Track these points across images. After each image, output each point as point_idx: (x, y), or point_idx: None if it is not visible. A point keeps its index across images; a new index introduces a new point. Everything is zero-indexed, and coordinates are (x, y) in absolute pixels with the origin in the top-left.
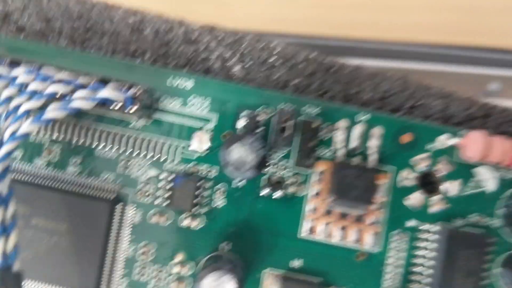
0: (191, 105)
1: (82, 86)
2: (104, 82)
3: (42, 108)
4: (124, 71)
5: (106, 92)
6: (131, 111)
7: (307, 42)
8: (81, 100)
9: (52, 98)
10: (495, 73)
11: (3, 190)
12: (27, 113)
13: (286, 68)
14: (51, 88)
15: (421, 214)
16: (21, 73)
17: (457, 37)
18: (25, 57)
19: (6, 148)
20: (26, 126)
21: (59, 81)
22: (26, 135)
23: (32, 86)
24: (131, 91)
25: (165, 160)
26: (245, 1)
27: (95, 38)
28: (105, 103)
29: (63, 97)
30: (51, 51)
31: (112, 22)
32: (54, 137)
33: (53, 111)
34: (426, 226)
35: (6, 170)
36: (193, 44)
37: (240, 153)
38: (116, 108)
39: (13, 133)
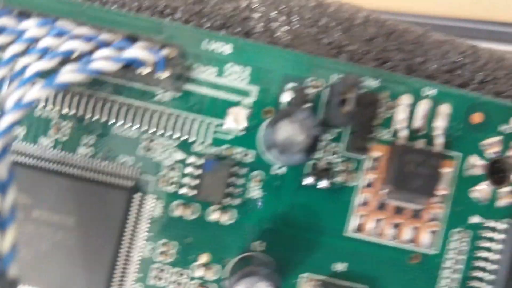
0: (228, 75)
1: (105, 44)
2: (131, 39)
3: (56, 70)
4: (150, 31)
5: (134, 52)
6: (161, 77)
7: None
8: (103, 60)
9: (69, 57)
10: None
11: (2, 173)
12: (37, 75)
13: (341, 31)
14: (68, 45)
15: (488, 208)
16: (31, 26)
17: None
18: (35, 11)
19: (8, 118)
20: (35, 91)
21: (77, 37)
22: (34, 103)
23: (44, 42)
24: (164, 52)
25: (194, 142)
26: None
27: None
28: (131, 65)
29: (81, 56)
30: (64, 6)
31: None
32: (64, 111)
33: (69, 73)
34: (492, 223)
35: (7, 148)
36: (232, 1)
37: (290, 132)
38: (144, 72)
39: (19, 100)
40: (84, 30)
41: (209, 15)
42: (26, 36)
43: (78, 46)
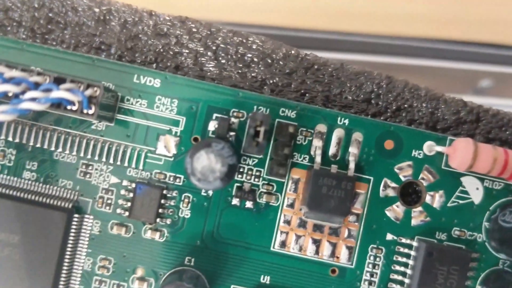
0: (158, 106)
1: (36, 85)
2: (59, 81)
3: None
4: (86, 67)
5: (60, 93)
6: (89, 113)
7: (282, 34)
8: (32, 102)
9: (2, 98)
10: (487, 69)
11: None
12: None
13: (264, 66)
14: (1, 88)
15: (401, 227)
16: None
17: (447, 30)
18: None
19: None
20: None
21: (10, 79)
22: None
23: None
24: (89, 91)
25: (128, 166)
26: None
27: (57, 30)
28: (60, 104)
29: (14, 97)
30: (8, 43)
31: (76, 12)
32: (9, 138)
33: (0, 114)
34: (404, 240)
35: None
36: (163, 38)
37: (207, 161)
38: (73, 109)
39: None
40: (16, 73)
41: (142, 51)
42: None
43: (10, 88)
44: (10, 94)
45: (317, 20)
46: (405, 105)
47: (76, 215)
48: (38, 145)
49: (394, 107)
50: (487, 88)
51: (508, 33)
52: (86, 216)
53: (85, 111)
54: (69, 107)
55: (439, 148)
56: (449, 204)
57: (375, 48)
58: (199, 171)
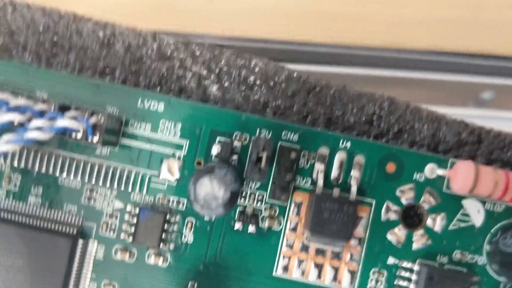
0: (162, 130)
1: (41, 113)
2: (64, 109)
3: None
4: (91, 91)
5: (64, 122)
6: (93, 140)
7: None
8: (37, 131)
9: (8, 127)
10: (489, 82)
11: None
12: None
13: (267, 88)
14: (6, 117)
15: (403, 250)
16: None
17: (449, 43)
18: None
19: None
20: None
21: (16, 108)
22: None
23: None
24: (93, 119)
25: (131, 191)
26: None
27: (61, 53)
28: (65, 132)
29: (20, 125)
30: (13, 68)
31: (81, 35)
32: (14, 163)
33: (6, 144)
34: (406, 264)
35: None
36: (167, 61)
37: (210, 188)
38: (78, 137)
39: None
40: (21, 102)
41: (146, 74)
42: None
43: (15, 117)
44: (15, 123)
45: (317, 33)
46: (407, 127)
47: (81, 240)
48: (43, 170)
49: (396, 129)
50: (489, 100)
51: (509, 44)
52: (91, 240)
53: (89, 138)
54: (74, 135)
55: (441, 172)
56: (450, 227)
57: (375, 61)
58: (202, 198)
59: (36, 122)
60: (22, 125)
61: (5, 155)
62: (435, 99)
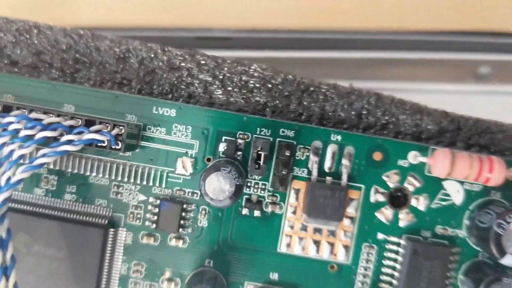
0: (175, 133)
1: (70, 128)
2: (89, 123)
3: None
4: (111, 101)
5: (91, 135)
6: (116, 148)
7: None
8: (68, 145)
9: (43, 142)
10: (485, 58)
11: (2, 234)
12: (21, 158)
13: (265, 90)
14: (41, 134)
15: (391, 227)
16: (12, 120)
17: (445, 23)
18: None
19: (3, 196)
20: (20, 174)
21: (49, 124)
22: (20, 181)
23: (23, 133)
24: (115, 131)
25: (152, 185)
26: None
27: (84, 69)
28: (92, 143)
29: (53, 139)
30: (43, 85)
31: (99, 52)
32: (51, 166)
33: (43, 158)
34: (393, 239)
35: (4, 215)
36: (176, 71)
37: (217, 183)
38: (103, 146)
39: (8, 180)
40: (52, 119)
41: (158, 83)
42: (10, 128)
43: (48, 134)
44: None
45: (314, 19)
46: (392, 119)
47: (111, 229)
48: (76, 171)
49: (382, 121)
50: (487, 75)
51: (503, 20)
52: (120, 229)
53: (113, 146)
54: (100, 144)
55: (422, 159)
56: (432, 206)
57: (372, 44)
58: (211, 192)
59: (67, 137)
60: (55, 139)
61: (41, 168)
62: (435, 76)
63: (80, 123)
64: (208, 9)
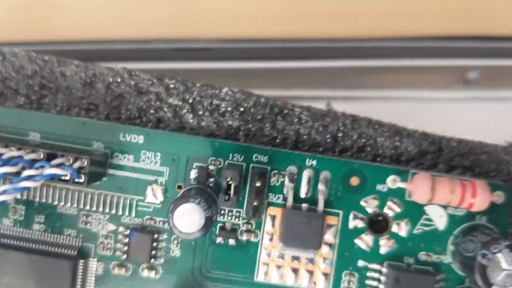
0: (144, 159)
1: (31, 162)
2: (51, 157)
3: None
4: (78, 128)
5: (52, 170)
6: (79, 181)
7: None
8: (29, 180)
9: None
10: (473, 63)
11: None
12: None
13: (237, 114)
14: (2, 170)
15: (371, 254)
16: None
17: (430, 28)
18: None
19: None
20: None
21: (9, 159)
22: None
23: None
24: (78, 164)
25: (122, 214)
26: None
27: (50, 94)
28: (54, 177)
29: (13, 174)
30: (8, 113)
31: (65, 77)
32: (18, 196)
33: (3, 195)
34: (375, 266)
35: None
36: (144, 95)
37: (186, 217)
38: (66, 179)
39: None
40: (13, 153)
41: (126, 108)
42: None
43: (10, 170)
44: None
45: (300, 28)
46: (370, 141)
47: (81, 260)
48: (44, 200)
49: (359, 144)
50: (475, 80)
51: (491, 24)
52: (91, 259)
53: (76, 180)
54: (62, 178)
55: (401, 184)
56: (414, 231)
57: (356, 52)
58: (179, 225)
59: (28, 172)
60: (16, 174)
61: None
62: (422, 83)
63: (42, 156)
64: (188, 19)
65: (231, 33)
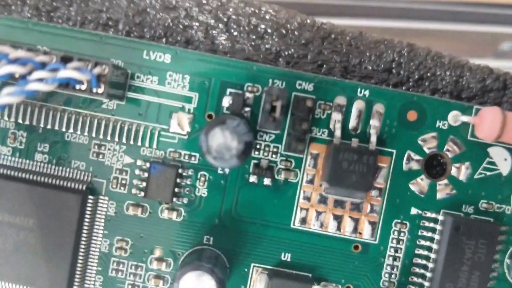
0: (169, 83)
1: (42, 65)
2: (66, 60)
3: None
4: (94, 44)
5: (67, 72)
6: (98, 92)
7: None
8: (39, 83)
9: (8, 80)
10: (508, 32)
11: None
12: None
13: (278, 37)
14: (5, 69)
15: (426, 201)
16: None
17: None
18: None
19: None
20: None
21: (16, 60)
22: None
23: None
24: (97, 70)
25: (141, 146)
26: None
27: (62, 7)
28: (68, 84)
29: (21, 78)
30: (13, 23)
31: None
32: (19, 120)
33: (6, 97)
34: (430, 215)
35: None
36: (172, 11)
37: (222, 139)
38: (82, 89)
39: None
40: (21, 53)
41: (150, 26)
42: None
43: (16, 69)
44: (16, 76)
45: None
46: (428, 74)
47: (90, 197)
48: (49, 126)
49: (416, 76)
50: (509, 51)
51: None
52: (101, 197)
53: (94, 90)
54: (77, 87)
55: (465, 118)
56: (476, 176)
57: (392, 13)
58: (214, 149)
59: (38, 74)
60: (23, 78)
61: (8, 109)
62: (453, 50)
63: (54, 59)
64: None
65: None
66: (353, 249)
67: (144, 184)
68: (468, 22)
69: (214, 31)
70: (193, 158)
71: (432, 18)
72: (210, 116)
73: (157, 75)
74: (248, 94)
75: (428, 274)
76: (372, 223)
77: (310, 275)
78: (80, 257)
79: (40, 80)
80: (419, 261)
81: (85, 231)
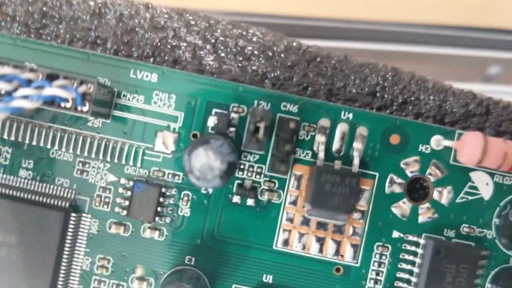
0: (155, 102)
1: (28, 82)
2: (52, 77)
3: None
4: (81, 62)
5: (52, 90)
6: (83, 110)
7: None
8: (23, 100)
9: None
10: (496, 56)
11: None
12: None
13: (265, 58)
14: None
15: (408, 224)
16: None
17: (455, 17)
18: None
19: None
20: None
21: (1, 76)
22: None
23: None
24: (83, 88)
25: (125, 164)
26: None
27: (52, 24)
28: (53, 101)
29: (7, 94)
30: (1, 39)
31: (71, 5)
32: (4, 136)
33: None
34: (411, 238)
35: None
36: (160, 31)
37: (205, 159)
38: (67, 107)
39: None
40: (7, 70)
41: (138, 45)
42: None
43: (0, 86)
44: (2, 92)
45: (319, 7)
46: (412, 98)
47: (73, 214)
48: (34, 143)
49: (400, 100)
50: (496, 75)
51: None
52: (84, 215)
53: (79, 108)
54: (63, 104)
55: (447, 143)
56: (457, 200)
57: (379, 35)
58: (197, 169)
59: (23, 91)
60: (9, 94)
61: None
62: (440, 74)
63: (41, 76)
64: None
65: None
66: (334, 271)
67: (127, 202)
68: (456, 46)
69: (201, 52)
70: (176, 177)
71: (421, 42)
72: (195, 136)
73: (144, 94)
74: (233, 115)
75: None
76: (354, 245)
77: None
78: (62, 275)
79: (26, 97)
80: (400, 284)
81: (67, 249)
